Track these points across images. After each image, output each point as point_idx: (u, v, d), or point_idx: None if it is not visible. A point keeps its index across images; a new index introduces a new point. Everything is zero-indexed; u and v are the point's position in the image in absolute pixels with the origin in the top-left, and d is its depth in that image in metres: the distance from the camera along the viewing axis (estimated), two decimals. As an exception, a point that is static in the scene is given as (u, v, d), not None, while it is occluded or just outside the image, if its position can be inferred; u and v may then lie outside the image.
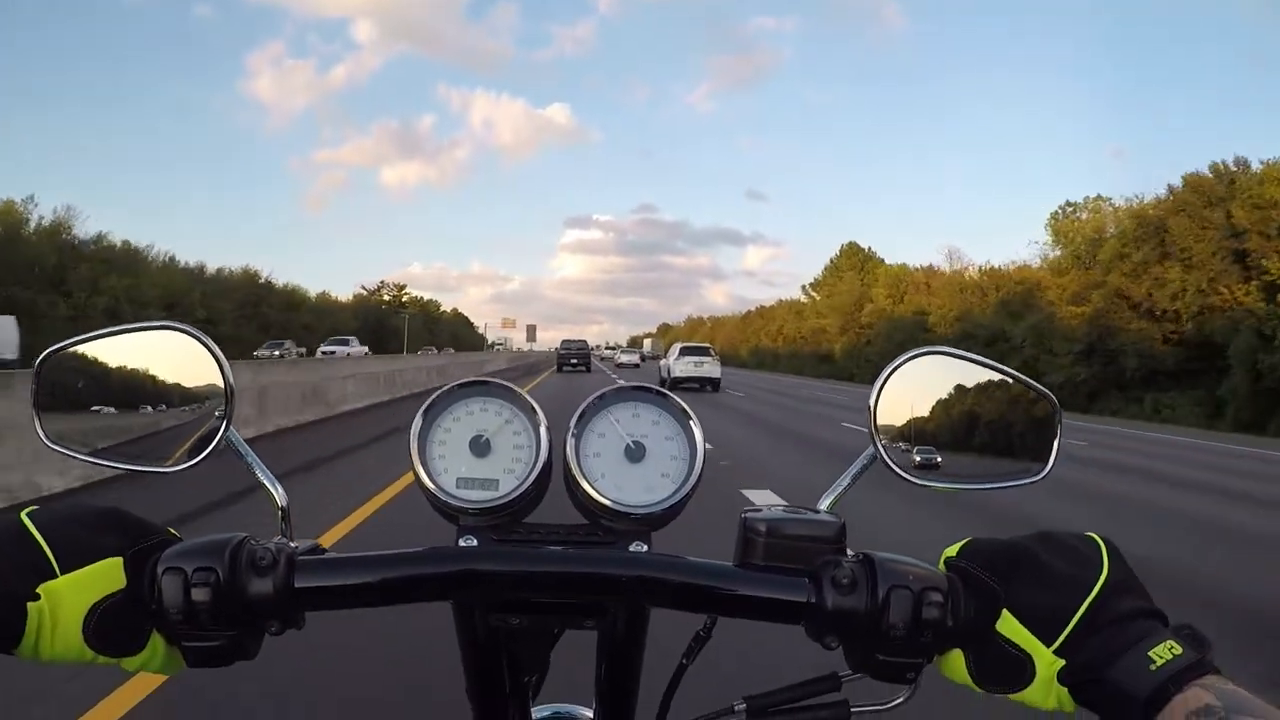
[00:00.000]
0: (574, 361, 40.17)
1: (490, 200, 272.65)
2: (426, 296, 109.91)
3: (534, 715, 0.83)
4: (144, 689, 2.62)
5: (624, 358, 55.16)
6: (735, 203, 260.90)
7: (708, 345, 28.74)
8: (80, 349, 0.60)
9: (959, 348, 0.62)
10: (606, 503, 0.54)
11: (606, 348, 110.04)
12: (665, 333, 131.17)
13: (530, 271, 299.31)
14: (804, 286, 77.25)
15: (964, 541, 0.53)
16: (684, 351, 26.73)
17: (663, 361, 29.09)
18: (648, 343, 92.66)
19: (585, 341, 45.98)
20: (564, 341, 43.70)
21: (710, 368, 25.50)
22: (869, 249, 68.94)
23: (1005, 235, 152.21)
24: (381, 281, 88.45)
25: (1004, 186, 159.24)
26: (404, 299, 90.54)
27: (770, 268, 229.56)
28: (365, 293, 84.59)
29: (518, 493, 0.55)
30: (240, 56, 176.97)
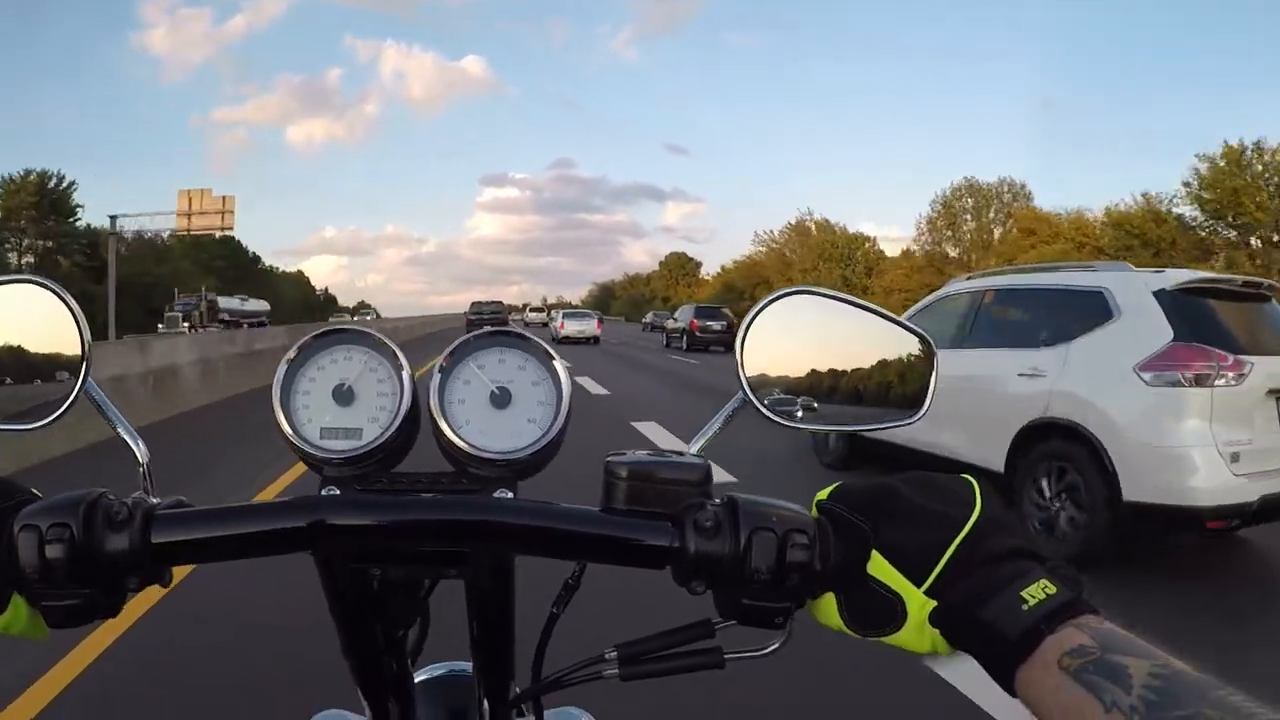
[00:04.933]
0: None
1: (403, 159, 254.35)
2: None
3: (428, 674, 0.82)
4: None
5: (572, 326, 30.63)
6: (655, 157, 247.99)
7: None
8: None
9: None
10: (469, 449, 0.53)
11: (532, 310, 68.18)
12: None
13: (446, 233, 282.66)
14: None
15: (835, 485, 0.53)
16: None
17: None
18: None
19: (501, 303, 37.04)
20: (474, 304, 34.76)
21: None
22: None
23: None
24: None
25: (942, 147, 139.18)
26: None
27: (690, 224, 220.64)
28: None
29: (380, 441, 0.54)
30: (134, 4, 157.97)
